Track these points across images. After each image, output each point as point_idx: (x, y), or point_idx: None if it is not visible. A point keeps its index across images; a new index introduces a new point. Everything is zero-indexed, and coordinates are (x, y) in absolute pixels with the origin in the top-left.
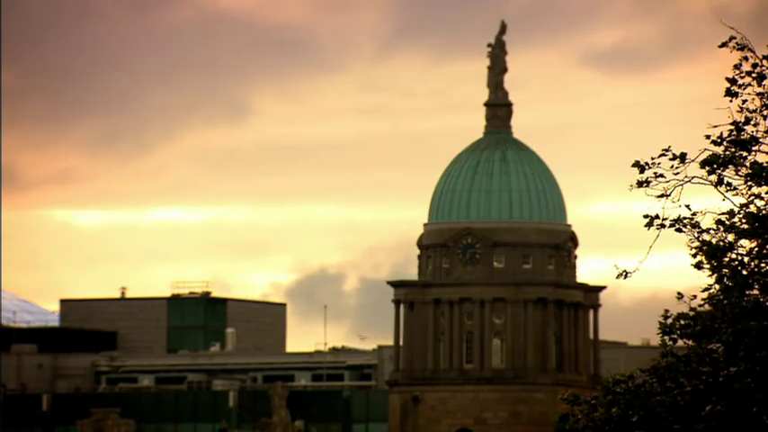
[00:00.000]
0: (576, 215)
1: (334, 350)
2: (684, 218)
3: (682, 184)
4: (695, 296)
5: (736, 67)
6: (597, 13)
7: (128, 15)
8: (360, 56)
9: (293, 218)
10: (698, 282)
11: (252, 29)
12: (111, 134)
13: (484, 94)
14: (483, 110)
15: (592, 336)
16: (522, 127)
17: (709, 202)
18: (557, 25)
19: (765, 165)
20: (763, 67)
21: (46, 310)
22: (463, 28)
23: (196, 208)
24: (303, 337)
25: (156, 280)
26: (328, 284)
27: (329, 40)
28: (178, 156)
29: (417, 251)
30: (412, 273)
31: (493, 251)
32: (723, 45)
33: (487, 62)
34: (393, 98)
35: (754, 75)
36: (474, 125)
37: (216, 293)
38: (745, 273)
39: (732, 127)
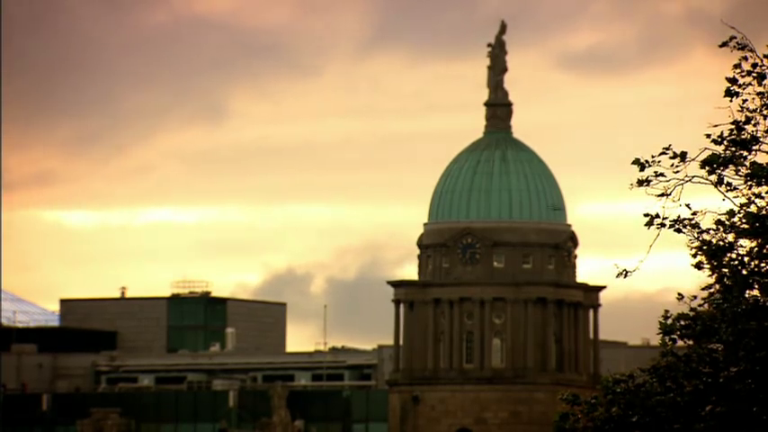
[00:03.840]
0: (576, 215)
1: (333, 350)
2: (684, 218)
3: (682, 184)
4: (695, 297)
5: (737, 66)
6: (576, 13)
7: (108, 18)
8: (339, 57)
9: (275, 218)
10: (698, 281)
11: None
12: (92, 135)
13: (476, 94)
14: (472, 110)
15: (592, 335)
16: (520, 127)
17: (709, 202)
18: (542, 26)
19: (765, 165)
20: (764, 67)
21: (45, 310)
22: (445, 29)
23: (182, 209)
24: None
25: (155, 280)
26: (295, 285)
27: (307, 43)
28: (160, 157)
29: (386, 253)
30: (383, 274)
31: (493, 251)
32: (723, 45)
33: (484, 62)
34: (375, 99)
35: (754, 74)
36: (461, 126)
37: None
38: (745, 273)
39: (732, 126)
